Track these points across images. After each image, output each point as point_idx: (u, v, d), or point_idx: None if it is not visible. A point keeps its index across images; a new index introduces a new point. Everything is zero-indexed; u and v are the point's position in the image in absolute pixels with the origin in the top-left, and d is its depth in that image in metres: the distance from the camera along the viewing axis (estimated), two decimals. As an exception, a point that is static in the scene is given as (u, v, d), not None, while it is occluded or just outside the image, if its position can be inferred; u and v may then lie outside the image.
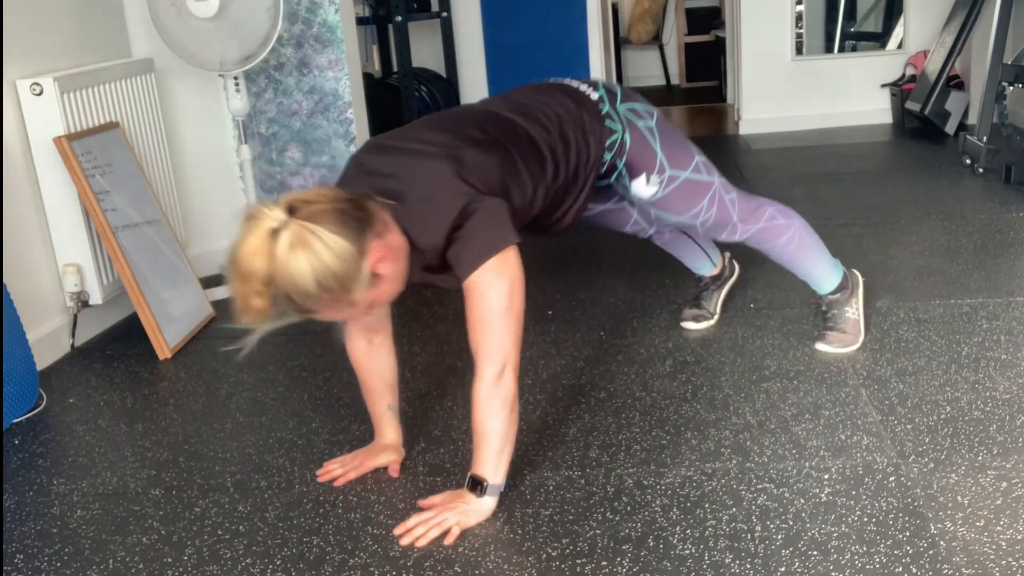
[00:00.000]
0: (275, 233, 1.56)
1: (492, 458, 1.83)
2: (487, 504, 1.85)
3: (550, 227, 2.18)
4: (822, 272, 2.54)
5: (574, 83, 2.20)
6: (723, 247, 2.84)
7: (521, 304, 1.80)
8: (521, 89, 2.17)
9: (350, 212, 1.64)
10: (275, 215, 1.57)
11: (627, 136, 2.18)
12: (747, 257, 3.25)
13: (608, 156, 2.17)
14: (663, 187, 2.25)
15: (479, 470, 1.84)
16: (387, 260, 1.70)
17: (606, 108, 2.16)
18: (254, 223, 1.57)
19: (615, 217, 2.53)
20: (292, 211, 1.59)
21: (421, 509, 1.88)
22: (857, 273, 2.64)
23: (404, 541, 1.79)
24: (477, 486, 1.84)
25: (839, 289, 2.56)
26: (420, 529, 1.80)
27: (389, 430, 2.11)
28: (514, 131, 1.97)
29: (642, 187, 2.25)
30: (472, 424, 1.84)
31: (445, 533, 1.79)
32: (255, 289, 1.58)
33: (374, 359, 2.06)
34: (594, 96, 2.17)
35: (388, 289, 1.74)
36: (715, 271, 2.83)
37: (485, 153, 1.86)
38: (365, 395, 2.11)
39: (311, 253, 1.56)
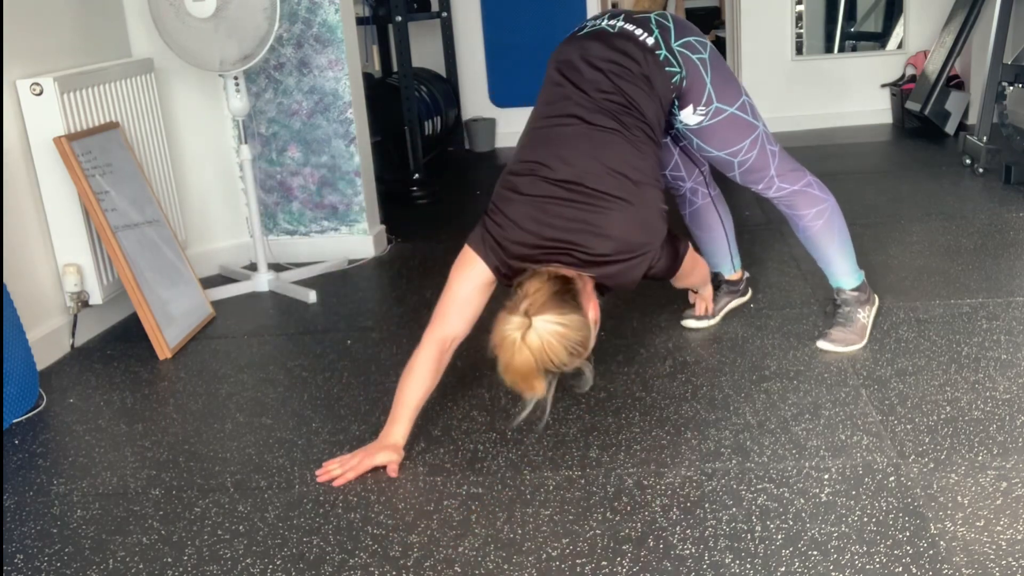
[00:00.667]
0: (524, 336, 1.88)
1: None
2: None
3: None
4: (843, 263, 2.56)
5: (628, 27, 2.22)
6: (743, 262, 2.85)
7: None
8: (594, 72, 2.17)
9: (561, 289, 1.96)
10: (518, 324, 1.89)
11: (685, 72, 2.23)
12: (747, 257, 3.25)
13: (673, 96, 2.24)
14: (708, 117, 2.30)
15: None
16: (596, 304, 2.07)
17: (663, 53, 2.19)
18: (509, 340, 1.89)
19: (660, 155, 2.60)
20: (526, 313, 1.90)
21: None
22: (876, 296, 2.69)
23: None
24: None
25: (858, 289, 2.57)
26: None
27: (401, 430, 2.12)
28: (635, 149, 2.10)
29: (689, 115, 2.31)
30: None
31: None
32: (533, 378, 1.91)
33: (434, 370, 2.14)
34: (650, 41, 2.19)
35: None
36: (733, 276, 2.83)
37: (640, 187, 2.07)
38: (401, 394, 2.13)
39: (560, 336, 1.89)
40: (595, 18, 2.32)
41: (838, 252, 2.54)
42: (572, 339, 1.90)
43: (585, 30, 2.27)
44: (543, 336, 1.87)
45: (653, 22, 2.24)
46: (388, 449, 2.09)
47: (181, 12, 3.01)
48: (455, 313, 2.10)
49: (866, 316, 2.58)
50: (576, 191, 2.03)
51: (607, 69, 2.16)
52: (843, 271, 2.56)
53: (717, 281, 2.83)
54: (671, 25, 2.25)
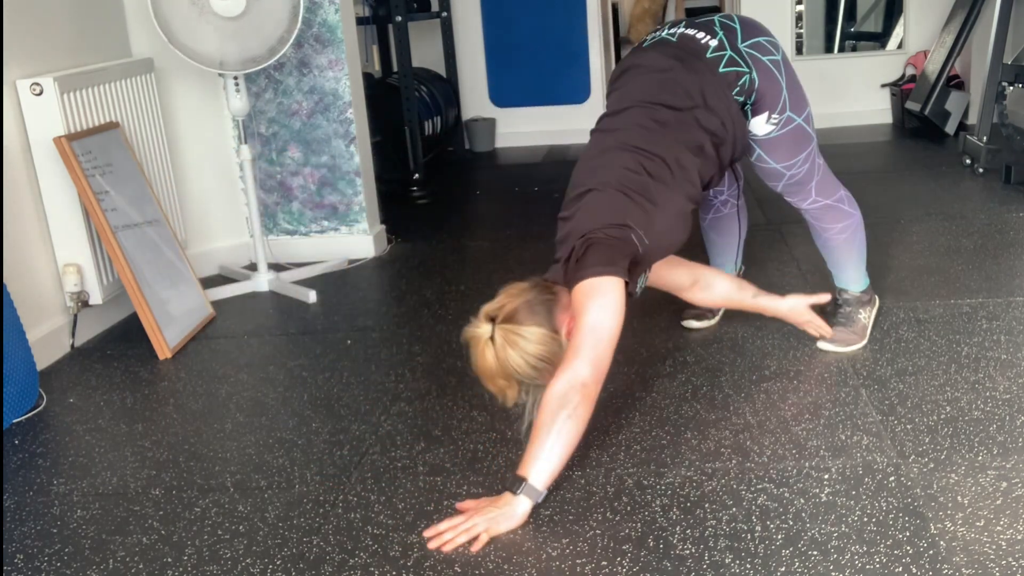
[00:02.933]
0: (490, 341, 1.87)
1: (541, 458, 1.82)
2: (521, 508, 1.80)
3: (734, 161, 2.30)
4: (855, 272, 2.56)
5: (690, 31, 2.18)
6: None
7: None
8: (648, 82, 2.16)
9: (536, 300, 1.92)
10: (483, 328, 1.88)
11: (755, 74, 2.16)
12: (747, 257, 3.25)
13: (741, 98, 2.17)
14: (779, 128, 2.24)
15: (523, 468, 1.83)
16: (573, 319, 1.95)
17: (727, 53, 2.14)
18: (474, 341, 1.90)
19: None
20: (492, 320, 1.88)
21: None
22: (877, 297, 2.68)
23: (432, 545, 1.77)
24: (516, 483, 1.82)
25: (864, 292, 2.58)
26: (449, 535, 1.77)
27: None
28: (680, 164, 2.08)
29: (761, 124, 2.24)
30: (535, 419, 1.87)
31: (473, 540, 1.76)
32: (501, 384, 1.91)
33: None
34: (712, 43, 2.15)
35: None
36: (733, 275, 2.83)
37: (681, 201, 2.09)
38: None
39: (519, 348, 1.87)
40: (656, 31, 2.28)
41: (853, 262, 2.55)
42: (532, 352, 1.87)
43: (646, 42, 2.25)
44: (501, 346, 1.87)
45: (717, 24, 2.19)
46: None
47: (205, 10, 3.00)
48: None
49: (867, 316, 2.58)
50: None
51: (664, 78, 2.12)
52: (853, 277, 2.57)
53: None
54: (737, 26, 2.19)
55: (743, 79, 2.15)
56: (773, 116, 2.22)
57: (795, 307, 2.51)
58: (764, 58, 2.18)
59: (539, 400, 1.89)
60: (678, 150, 2.08)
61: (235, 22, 3.03)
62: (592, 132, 2.22)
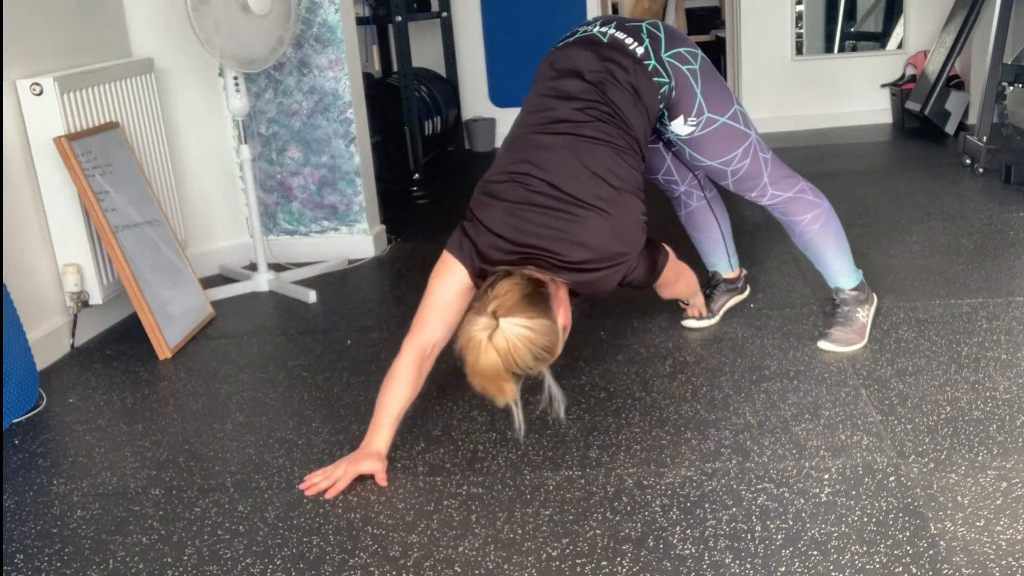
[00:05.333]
0: (491, 338, 1.86)
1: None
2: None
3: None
4: (841, 264, 2.55)
5: (619, 36, 2.21)
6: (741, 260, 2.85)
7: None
8: (574, 80, 2.17)
9: (532, 292, 1.93)
10: (485, 325, 1.87)
11: (674, 83, 2.23)
12: (747, 257, 3.25)
13: (661, 106, 2.24)
14: (700, 128, 2.30)
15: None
16: (567, 310, 2.03)
17: (651, 63, 2.19)
18: (475, 340, 1.88)
19: (651, 161, 2.58)
20: (493, 314, 1.88)
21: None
22: (874, 295, 2.68)
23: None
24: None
25: (857, 289, 2.57)
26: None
27: (384, 438, 2.09)
28: (616, 157, 2.09)
29: (680, 126, 2.30)
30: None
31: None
32: (501, 381, 1.90)
33: (417, 378, 2.12)
34: (639, 51, 2.19)
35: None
36: (731, 275, 2.83)
37: (612, 190, 2.06)
38: (382, 403, 2.10)
39: (525, 340, 1.87)
40: (588, 23, 2.31)
41: (835, 255, 2.54)
42: (538, 343, 1.89)
43: (576, 35, 2.27)
44: (509, 338, 1.86)
45: (644, 31, 2.24)
46: (372, 458, 2.05)
47: (247, 7, 3.03)
48: (435, 319, 2.09)
49: (865, 315, 2.58)
50: (554, 198, 2.02)
51: (594, 79, 2.15)
52: (841, 272, 2.56)
53: (716, 280, 2.83)
54: (662, 35, 2.25)
55: (663, 88, 2.22)
56: (690, 119, 2.29)
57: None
58: (683, 67, 2.25)
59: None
60: (623, 144, 2.14)
61: (267, 19, 3.09)
62: (530, 111, 2.22)
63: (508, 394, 1.93)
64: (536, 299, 1.93)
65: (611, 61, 2.17)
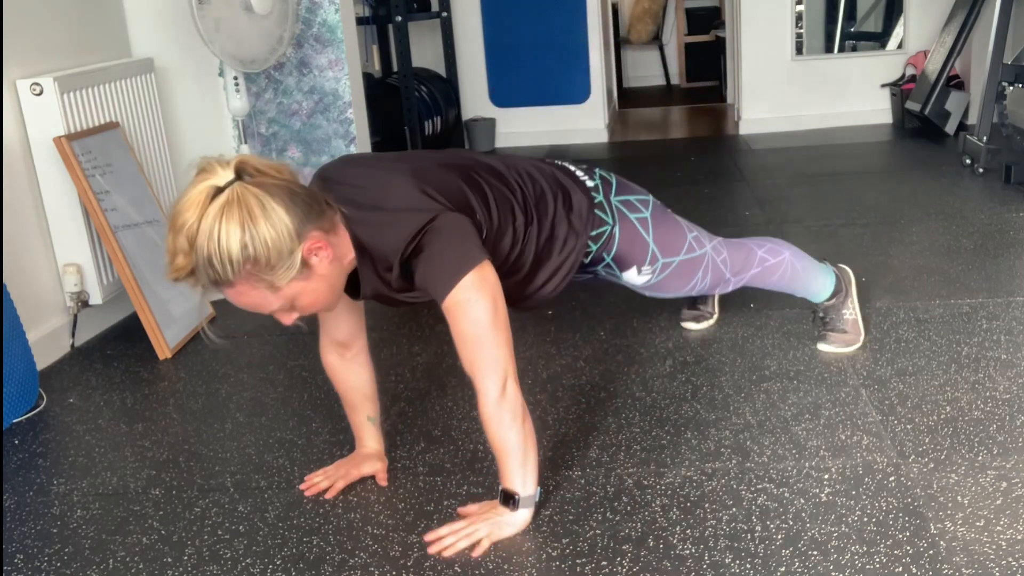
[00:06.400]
0: (217, 191, 1.51)
1: (517, 471, 1.79)
2: (521, 516, 1.80)
3: (528, 297, 2.06)
4: (816, 286, 2.52)
5: (571, 166, 2.14)
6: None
7: (505, 313, 1.74)
8: (512, 156, 2.09)
9: (301, 196, 1.58)
10: (224, 175, 1.52)
11: (616, 230, 2.10)
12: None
13: (594, 247, 2.09)
14: (656, 274, 2.21)
15: (508, 484, 1.80)
16: (324, 255, 1.61)
17: (599, 198, 2.09)
18: (202, 176, 1.52)
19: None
20: (241, 175, 1.54)
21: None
22: (848, 270, 2.60)
23: (432, 549, 1.75)
24: (509, 500, 1.80)
25: (833, 295, 2.55)
26: (450, 539, 1.76)
27: (370, 440, 2.08)
28: (488, 167, 1.91)
29: (634, 276, 2.20)
30: (489, 443, 1.79)
31: (474, 545, 1.76)
32: (181, 246, 1.52)
33: (349, 373, 2.03)
34: (590, 183, 2.10)
35: (317, 290, 1.64)
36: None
37: (452, 174, 1.80)
38: (344, 406, 2.09)
39: (246, 216, 1.50)
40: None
41: (809, 284, 2.50)
42: (261, 235, 1.50)
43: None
44: (227, 203, 1.49)
45: (597, 175, 2.15)
46: (372, 458, 2.04)
47: (250, 7, 3.03)
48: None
49: (851, 311, 2.55)
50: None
51: (537, 168, 2.01)
52: (817, 290, 2.52)
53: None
54: (613, 182, 2.16)
55: (603, 227, 2.08)
56: (644, 268, 2.18)
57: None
58: (632, 216, 2.13)
59: (207, 295, 1.62)
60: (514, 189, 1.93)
61: (270, 19, 3.09)
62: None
63: (176, 267, 1.53)
64: (299, 201, 1.57)
65: (552, 169, 2.05)
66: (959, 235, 3.44)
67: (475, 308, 1.69)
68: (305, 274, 1.60)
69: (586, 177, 2.12)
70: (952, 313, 2.71)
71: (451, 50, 5.95)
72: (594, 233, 2.07)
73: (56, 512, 2.01)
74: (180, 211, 1.51)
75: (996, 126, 4.31)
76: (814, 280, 2.50)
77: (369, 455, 2.06)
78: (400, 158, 1.89)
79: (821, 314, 2.57)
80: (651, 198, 2.22)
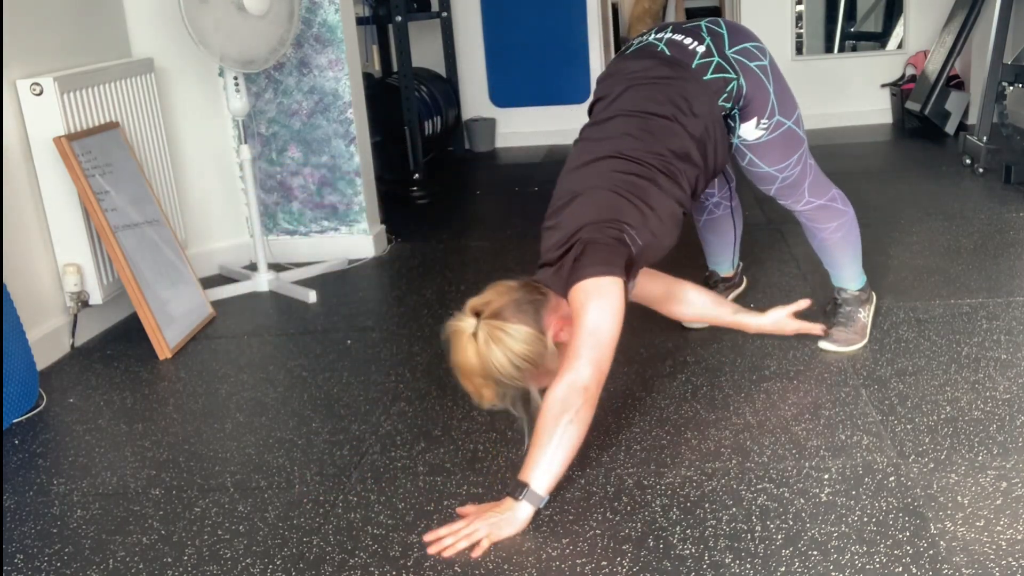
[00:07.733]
0: (474, 336, 1.83)
1: (542, 464, 1.79)
2: (522, 513, 1.79)
3: (714, 173, 2.23)
4: (852, 269, 2.55)
5: (678, 37, 2.17)
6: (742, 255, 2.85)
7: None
8: (635, 91, 2.14)
9: (524, 299, 1.87)
10: (468, 323, 1.84)
11: (743, 80, 2.15)
12: (747, 257, 3.25)
13: (728, 104, 2.15)
14: (769, 131, 2.23)
15: (524, 473, 1.81)
16: (566, 329, 1.91)
17: (715, 60, 2.12)
18: (457, 335, 1.85)
19: None
20: (478, 315, 1.84)
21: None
22: (873, 294, 2.68)
23: (432, 550, 1.75)
24: (517, 489, 1.80)
25: (861, 289, 2.57)
26: (449, 539, 1.76)
27: (750, 318, 2.46)
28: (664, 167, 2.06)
29: (751, 129, 2.23)
30: (536, 424, 1.82)
31: (474, 545, 1.76)
32: (478, 382, 1.86)
33: (703, 307, 2.45)
34: (700, 49, 2.14)
35: None
36: (730, 274, 2.85)
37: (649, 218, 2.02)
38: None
39: (502, 344, 1.81)
40: (642, 34, 2.27)
41: (851, 260, 2.54)
42: (516, 351, 1.81)
43: (632, 47, 2.23)
44: (485, 340, 1.81)
45: (704, 29, 2.18)
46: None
47: (243, 7, 3.03)
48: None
49: (866, 315, 2.58)
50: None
51: (650, 86, 2.11)
52: (850, 275, 2.57)
53: (713, 279, 2.83)
54: (724, 32, 2.18)
55: (730, 85, 2.13)
56: (762, 121, 2.21)
57: (778, 321, 2.50)
58: (752, 64, 2.17)
59: (518, 402, 1.88)
60: (667, 157, 2.06)
61: (264, 19, 3.09)
62: (576, 142, 2.19)
63: (486, 398, 1.88)
64: (525, 306, 1.87)
65: (666, 64, 2.12)
66: (959, 235, 3.44)
67: (609, 302, 1.90)
68: (562, 349, 1.90)
69: (695, 43, 2.15)
70: (952, 313, 2.71)
71: (451, 50, 5.95)
72: (723, 95, 2.13)
73: (56, 512, 2.01)
74: (458, 362, 1.86)
75: (996, 126, 4.31)
76: (853, 260, 2.55)
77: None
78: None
79: (840, 303, 2.58)
80: (766, 47, 2.25)
